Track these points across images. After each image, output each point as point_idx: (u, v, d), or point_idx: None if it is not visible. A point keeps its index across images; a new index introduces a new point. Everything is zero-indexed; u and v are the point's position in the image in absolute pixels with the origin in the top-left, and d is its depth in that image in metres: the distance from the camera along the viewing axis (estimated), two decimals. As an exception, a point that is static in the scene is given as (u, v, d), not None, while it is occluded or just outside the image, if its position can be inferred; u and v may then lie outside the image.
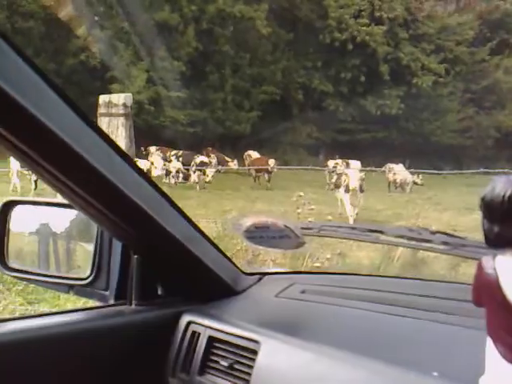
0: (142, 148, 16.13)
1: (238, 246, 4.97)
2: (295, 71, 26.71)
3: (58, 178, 0.94)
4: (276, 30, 25.83)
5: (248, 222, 1.25)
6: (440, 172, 16.51)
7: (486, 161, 21.62)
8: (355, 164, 17.06)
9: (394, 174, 17.52)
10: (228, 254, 1.38)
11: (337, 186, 12.18)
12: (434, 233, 1.18)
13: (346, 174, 12.03)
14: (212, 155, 18.08)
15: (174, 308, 1.26)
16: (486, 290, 0.65)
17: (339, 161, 17.72)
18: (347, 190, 11.42)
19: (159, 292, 1.30)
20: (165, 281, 1.29)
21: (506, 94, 28.38)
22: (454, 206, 11.34)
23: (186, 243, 1.19)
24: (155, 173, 13.54)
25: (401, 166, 17.99)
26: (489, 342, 0.66)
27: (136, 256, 1.24)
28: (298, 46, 26.74)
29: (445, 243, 1.14)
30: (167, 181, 14.70)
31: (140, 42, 20.34)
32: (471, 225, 7.81)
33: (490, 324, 0.66)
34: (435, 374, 0.80)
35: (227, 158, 18.89)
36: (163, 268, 1.26)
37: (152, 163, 13.76)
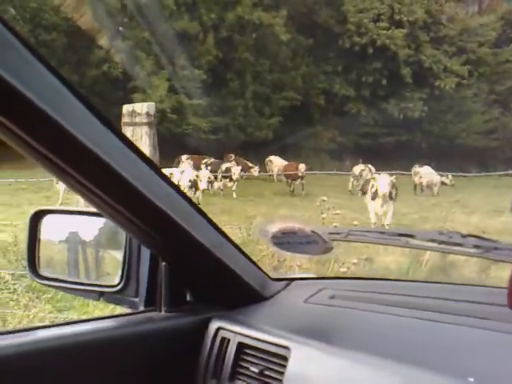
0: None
1: (263, 251, 4.97)
2: (315, 76, 26.66)
3: (86, 185, 0.95)
4: (295, 36, 25.82)
5: (274, 227, 1.24)
6: (466, 174, 16.27)
7: (512, 162, 21.19)
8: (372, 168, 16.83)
9: (420, 176, 17.30)
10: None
11: (364, 192, 11.68)
12: (465, 236, 1.16)
13: (373, 179, 11.21)
14: (233, 161, 18.08)
15: (202, 314, 1.26)
16: None
17: (362, 166, 17.56)
18: (374, 198, 10.56)
19: (188, 298, 1.30)
20: (193, 287, 1.30)
21: (532, 93, 27.88)
22: (482, 208, 11.13)
23: (214, 250, 1.20)
24: (201, 186, 13.26)
25: (427, 167, 17.68)
26: None
27: (164, 263, 1.25)
28: (318, 51, 26.69)
29: (476, 246, 1.12)
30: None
31: (161, 51, 20.55)
32: (500, 227, 7.66)
33: None
34: (471, 379, 0.78)
35: (250, 164, 18.90)
36: (191, 275, 1.26)
37: (197, 176, 13.60)
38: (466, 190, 14.59)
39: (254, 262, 1.37)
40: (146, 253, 1.29)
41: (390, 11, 26.70)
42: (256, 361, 1.12)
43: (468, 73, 26.98)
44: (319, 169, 19.72)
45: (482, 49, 27.84)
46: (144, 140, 7.05)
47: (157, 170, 1.05)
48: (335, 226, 6.93)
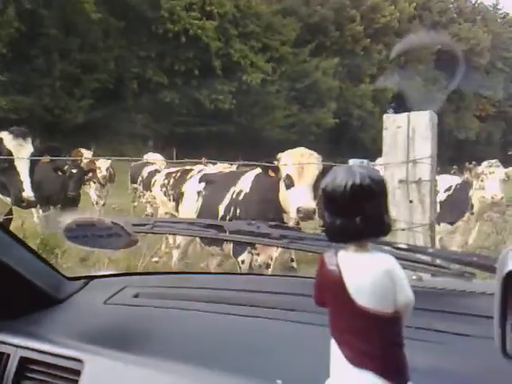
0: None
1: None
2: (129, 60, 25.95)
3: None
4: (107, 17, 24.76)
5: (69, 218, 1.07)
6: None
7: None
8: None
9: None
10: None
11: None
12: (272, 226, 1.14)
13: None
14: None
15: None
16: (329, 288, 0.60)
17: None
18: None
19: None
20: (-37, 296, 1.06)
21: (325, 93, 31.03)
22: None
23: None
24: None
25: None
26: (333, 343, 0.60)
27: None
28: (131, 34, 25.98)
29: (283, 236, 1.11)
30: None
31: None
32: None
33: (334, 325, 0.60)
34: (279, 381, 0.73)
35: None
36: None
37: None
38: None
39: (44, 260, 1.19)
40: None
41: (201, 1, 27.15)
42: (43, 377, 0.95)
43: (272, 69, 28.87)
44: (135, 155, 19.24)
45: (284, 47, 30.05)
46: None
47: None
48: (146, 215, 6.77)
